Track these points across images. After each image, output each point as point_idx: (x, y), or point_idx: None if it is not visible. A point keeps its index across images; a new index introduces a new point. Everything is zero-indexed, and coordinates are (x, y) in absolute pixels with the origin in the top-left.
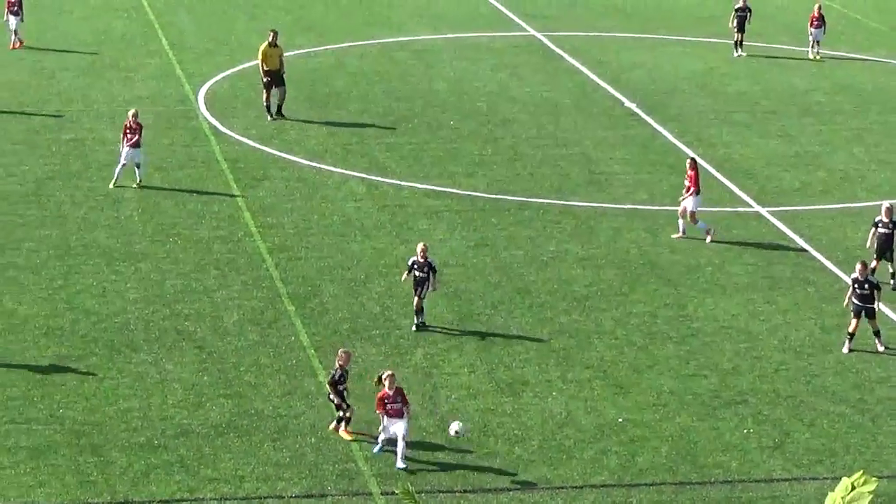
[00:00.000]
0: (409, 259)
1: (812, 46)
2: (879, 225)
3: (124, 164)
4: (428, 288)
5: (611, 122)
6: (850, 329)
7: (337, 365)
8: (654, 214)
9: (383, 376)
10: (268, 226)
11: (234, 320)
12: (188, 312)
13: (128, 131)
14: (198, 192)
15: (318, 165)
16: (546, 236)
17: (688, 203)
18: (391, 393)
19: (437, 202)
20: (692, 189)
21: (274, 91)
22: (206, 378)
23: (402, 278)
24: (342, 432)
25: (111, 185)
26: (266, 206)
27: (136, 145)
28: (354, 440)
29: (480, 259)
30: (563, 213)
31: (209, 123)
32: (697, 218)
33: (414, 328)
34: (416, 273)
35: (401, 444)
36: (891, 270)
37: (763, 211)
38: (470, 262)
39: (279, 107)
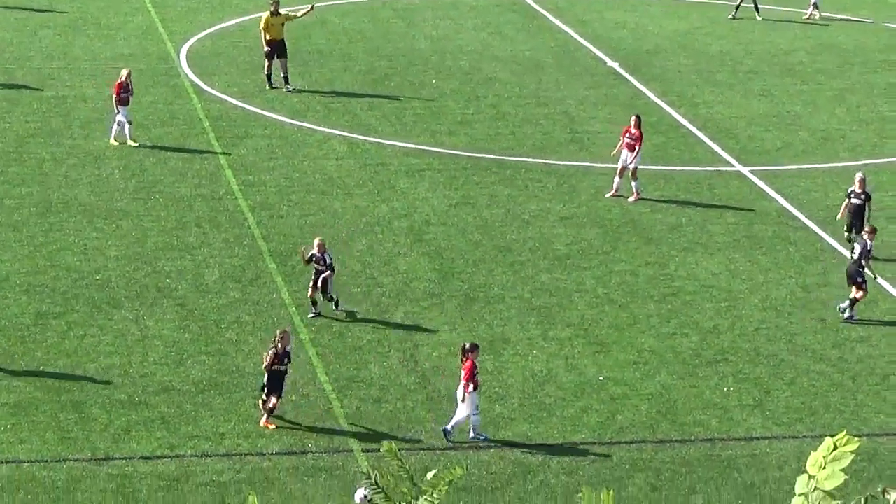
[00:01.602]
0: (308, 251)
1: (810, 8)
2: (852, 196)
3: (130, 122)
4: (329, 284)
5: (593, 82)
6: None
7: (276, 345)
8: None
9: (467, 346)
10: (249, 184)
11: (216, 278)
12: (169, 270)
13: (121, 90)
14: (179, 150)
15: (300, 124)
16: (528, 195)
17: (630, 161)
18: (478, 363)
19: (419, 161)
20: (638, 147)
21: (276, 62)
22: (187, 335)
23: (304, 259)
24: (266, 423)
25: (129, 142)
26: (248, 164)
27: (126, 102)
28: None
29: (462, 217)
30: (545, 172)
31: (191, 81)
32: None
33: (313, 314)
34: (315, 266)
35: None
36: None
37: (744, 170)
38: (451, 220)
39: (286, 78)
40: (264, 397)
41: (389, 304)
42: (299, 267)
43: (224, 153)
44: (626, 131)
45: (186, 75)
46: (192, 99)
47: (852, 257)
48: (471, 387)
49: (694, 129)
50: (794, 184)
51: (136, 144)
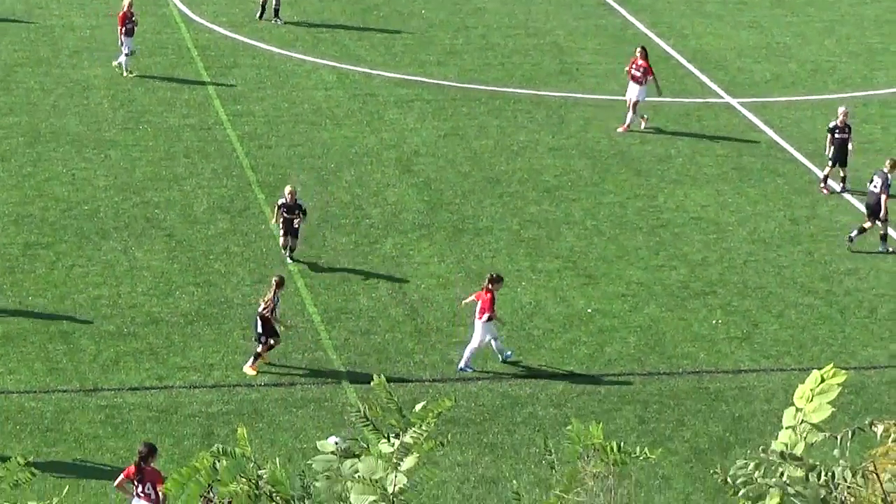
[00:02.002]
0: (278, 200)
1: None
2: (836, 131)
3: (133, 52)
4: (298, 229)
5: (582, 12)
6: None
7: (273, 294)
8: (625, 105)
9: (494, 276)
10: (238, 114)
11: (204, 208)
12: (158, 200)
13: (126, 21)
14: (168, 80)
15: (289, 54)
16: (517, 126)
17: (636, 93)
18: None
19: (408, 91)
20: (647, 79)
21: None
22: (175, 266)
23: (272, 222)
24: (250, 367)
25: (125, 75)
26: (236, 95)
27: (131, 33)
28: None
29: (451, 148)
30: (534, 103)
31: (179, 10)
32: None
33: (289, 261)
34: (285, 215)
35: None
36: (841, 175)
37: (734, 102)
38: (440, 151)
39: (276, 10)
40: (262, 341)
41: (378, 236)
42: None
43: (213, 83)
44: (633, 63)
45: (175, 4)
46: (180, 28)
47: (872, 189)
48: (485, 316)
49: (683, 61)
50: (783, 116)
51: (133, 75)
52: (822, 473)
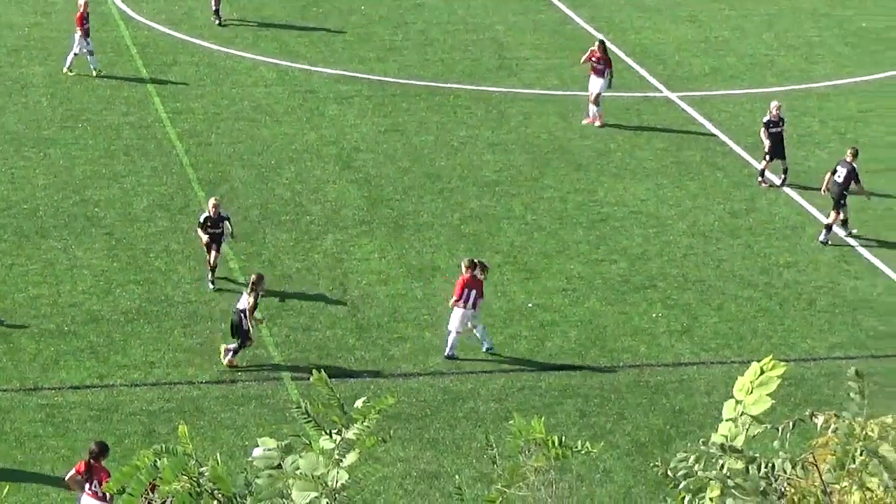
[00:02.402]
0: (200, 215)
1: None
2: (770, 125)
3: (77, 53)
4: (223, 241)
5: (522, 7)
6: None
7: (253, 291)
8: (565, 99)
9: (469, 263)
10: (178, 111)
11: (144, 206)
12: (97, 198)
13: (83, 20)
14: (107, 78)
15: (228, 51)
16: (457, 121)
17: (598, 86)
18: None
19: (348, 87)
20: (608, 71)
21: None
22: (115, 264)
23: (204, 242)
24: (229, 361)
25: (66, 71)
26: (176, 92)
27: (88, 34)
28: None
29: (391, 144)
30: (474, 99)
31: (118, 8)
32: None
33: (211, 286)
34: (209, 230)
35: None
36: (782, 167)
37: (673, 96)
38: (381, 147)
39: (216, 10)
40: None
41: (318, 232)
42: (228, 195)
43: (152, 81)
44: (592, 56)
45: (114, 3)
46: (119, 26)
47: (836, 179)
48: (460, 302)
49: (622, 55)
50: (722, 109)
51: (73, 73)
52: (762, 465)
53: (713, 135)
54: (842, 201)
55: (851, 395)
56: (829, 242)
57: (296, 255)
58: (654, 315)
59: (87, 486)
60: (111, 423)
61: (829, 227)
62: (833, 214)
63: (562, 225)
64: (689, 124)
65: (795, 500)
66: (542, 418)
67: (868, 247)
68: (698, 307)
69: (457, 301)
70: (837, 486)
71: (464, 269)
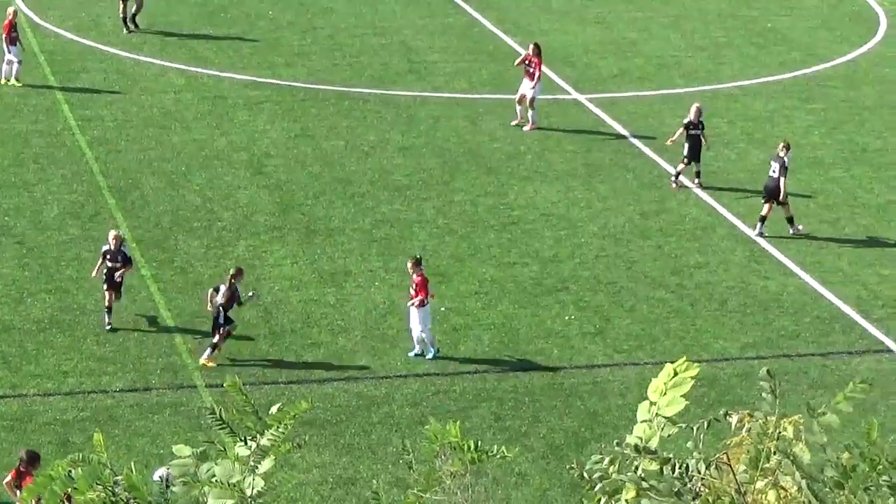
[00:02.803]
0: (103, 246)
1: None
2: (690, 127)
3: (20, 62)
4: (121, 283)
5: (429, 11)
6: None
7: (230, 285)
8: (474, 103)
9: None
10: (87, 119)
11: (55, 214)
12: (7, 207)
13: (11, 28)
14: (15, 85)
15: (137, 57)
16: (366, 126)
17: (529, 89)
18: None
19: (257, 93)
20: (538, 75)
21: (130, 1)
22: (27, 273)
23: (93, 273)
24: (207, 361)
25: (12, 82)
26: (85, 99)
27: (15, 42)
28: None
29: (301, 150)
30: (384, 103)
31: (25, 15)
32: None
33: (108, 328)
34: (108, 264)
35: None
36: (695, 170)
37: (581, 98)
38: (291, 152)
39: (134, 16)
40: (221, 331)
41: (230, 238)
42: (139, 203)
43: (61, 88)
44: (526, 59)
45: (20, 9)
46: (26, 33)
47: (771, 174)
48: (417, 300)
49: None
50: (630, 111)
51: (21, 85)
52: (677, 466)
53: (622, 136)
54: (779, 196)
55: (763, 394)
56: (801, 228)
57: (208, 262)
58: (566, 317)
59: (16, 492)
60: (25, 433)
61: (762, 219)
62: (770, 208)
63: (473, 228)
64: (598, 126)
65: (710, 500)
66: (458, 422)
67: (778, 246)
68: (611, 309)
69: (424, 300)
70: (752, 486)
71: (413, 268)
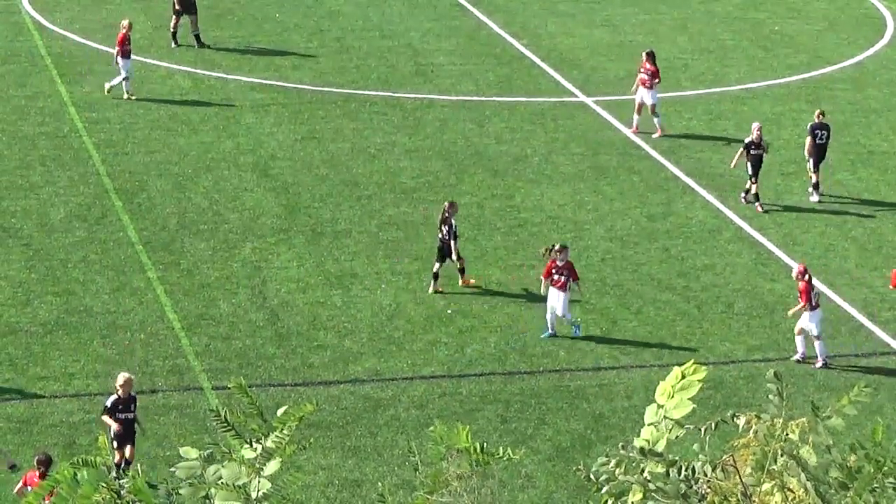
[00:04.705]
0: (107, 399)
1: None
2: (751, 147)
3: (129, 77)
4: (134, 434)
5: (436, 14)
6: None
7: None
8: (481, 105)
9: (556, 248)
10: (93, 121)
11: (61, 217)
12: (14, 209)
13: (124, 42)
14: (22, 88)
15: (144, 59)
16: (373, 128)
17: (648, 97)
18: (560, 264)
19: (264, 95)
20: (656, 82)
21: (184, 19)
22: (33, 275)
23: (110, 433)
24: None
25: (126, 97)
26: (91, 102)
27: (128, 55)
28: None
29: (308, 152)
30: (390, 105)
31: (32, 18)
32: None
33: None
34: (121, 414)
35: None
36: (753, 190)
37: (588, 101)
38: (297, 155)
39: (197, 36)
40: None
41: (237, 241)
42: (145, 205)
43: (67, 91)
44: (641, 68)
45: (27, 12)
46: (33, 36)
47: (816, 143)
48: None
49: (537, 60)
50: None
51: (133, 98)
52: (683, 468)
53: (629, 139)
54: (819, 162)
55: (770, 396)
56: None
57: (214, 264)
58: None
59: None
60: (31, 434)
61: (816, 185)
62: (815, 175)
63: (480, 231)
64: (604, 129)
65: (716, 502)
66: (465, 425)
67: (784, 249)
68: (617, 311)
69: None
70: (758, 488)
71: (559, 253)
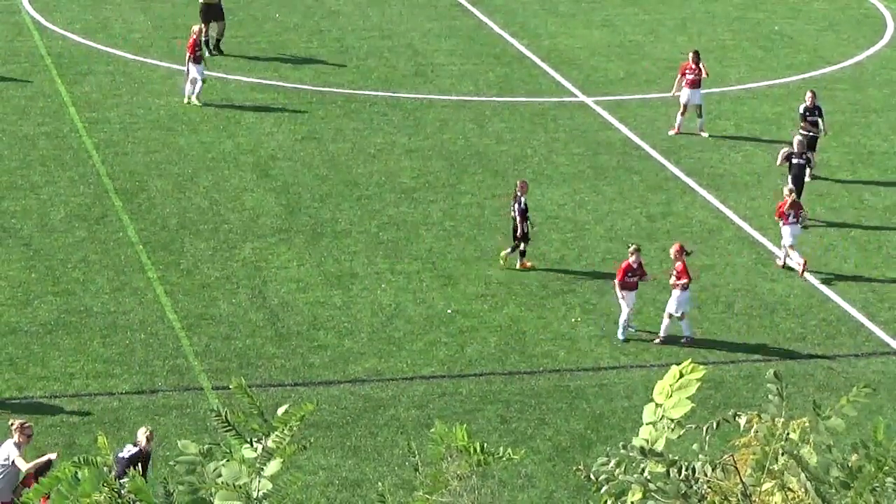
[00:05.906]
0: (118, 452)
1: None
2: (792, 157)
3: (204, 81)
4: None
5: (436, 14)
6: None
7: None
8: (481, 105)
9: (631, 249)
10: (94, 121)
11: (61, 217)
12: (14, 209)
13: (195, 48)
14: (22, 88)
15: (144, 60)
16: (373, 128)
17: (696, 96)
18: (634, 266)
19: (264, 95)
20: (700, 80)
21: (212, 24)
22: (33, 275)
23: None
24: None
25: (194, 102)
26: (92, 102)
27: (199, 60)
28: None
29: (308, 152)
30: (390, 105)
31: (32, 18)
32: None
33: None
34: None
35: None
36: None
37: (588, 101)
38: (297, 155)
39: (217, 41)
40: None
41: (237, 241)
42: (145, 205)
43: (67, 90)
44: (686, 68)
45: (27, 12)
46: (33, 35)
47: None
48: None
49: (537, 60)
50: (637, 113)
51: (200, 105)
52: (683, 468)
53: (629, 139)
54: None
55: (770, 396)
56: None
57: (214, 264)
58: (573, 320)
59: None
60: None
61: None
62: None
63: (480, 231)
64: (604, 129)
65: (716, 501)
66: (465, 425)
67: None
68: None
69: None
70: (759, 488)
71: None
